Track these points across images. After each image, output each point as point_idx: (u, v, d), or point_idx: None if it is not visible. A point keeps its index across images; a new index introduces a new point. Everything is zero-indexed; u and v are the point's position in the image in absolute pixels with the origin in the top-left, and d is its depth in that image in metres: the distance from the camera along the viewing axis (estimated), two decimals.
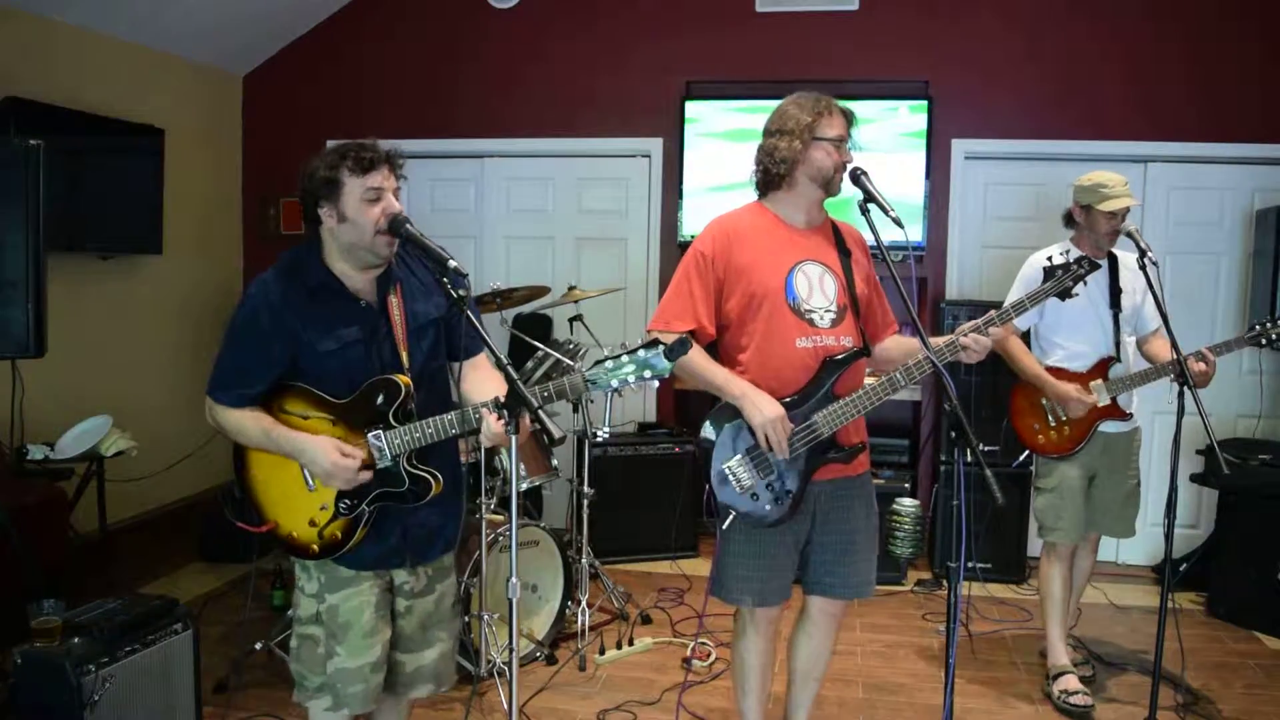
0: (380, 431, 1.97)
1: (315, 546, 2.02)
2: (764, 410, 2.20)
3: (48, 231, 2.87)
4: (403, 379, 1.97)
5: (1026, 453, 3.31)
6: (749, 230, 2.34)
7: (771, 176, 2.33)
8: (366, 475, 1.96)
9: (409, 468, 2.00)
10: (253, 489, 2.07)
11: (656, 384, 1.82)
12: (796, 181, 2.32)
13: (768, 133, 2.34)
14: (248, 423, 1.99)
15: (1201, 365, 2.83)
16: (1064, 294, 2.42)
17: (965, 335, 2.20)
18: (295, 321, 1.95)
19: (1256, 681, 3.40)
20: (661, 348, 1.77)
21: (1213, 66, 4.53)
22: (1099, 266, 2.57)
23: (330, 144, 2.00)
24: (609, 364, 1.80)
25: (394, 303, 2.02)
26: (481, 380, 2.08)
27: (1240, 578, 3.95)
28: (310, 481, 2.01)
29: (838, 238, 2.41)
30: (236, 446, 2.07)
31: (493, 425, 1.87)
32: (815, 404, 2.26)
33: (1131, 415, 3.16)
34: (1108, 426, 3.15)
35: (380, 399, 1.97)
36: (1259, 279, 4.40)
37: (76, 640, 2.39)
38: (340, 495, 1.99)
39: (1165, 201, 4.68)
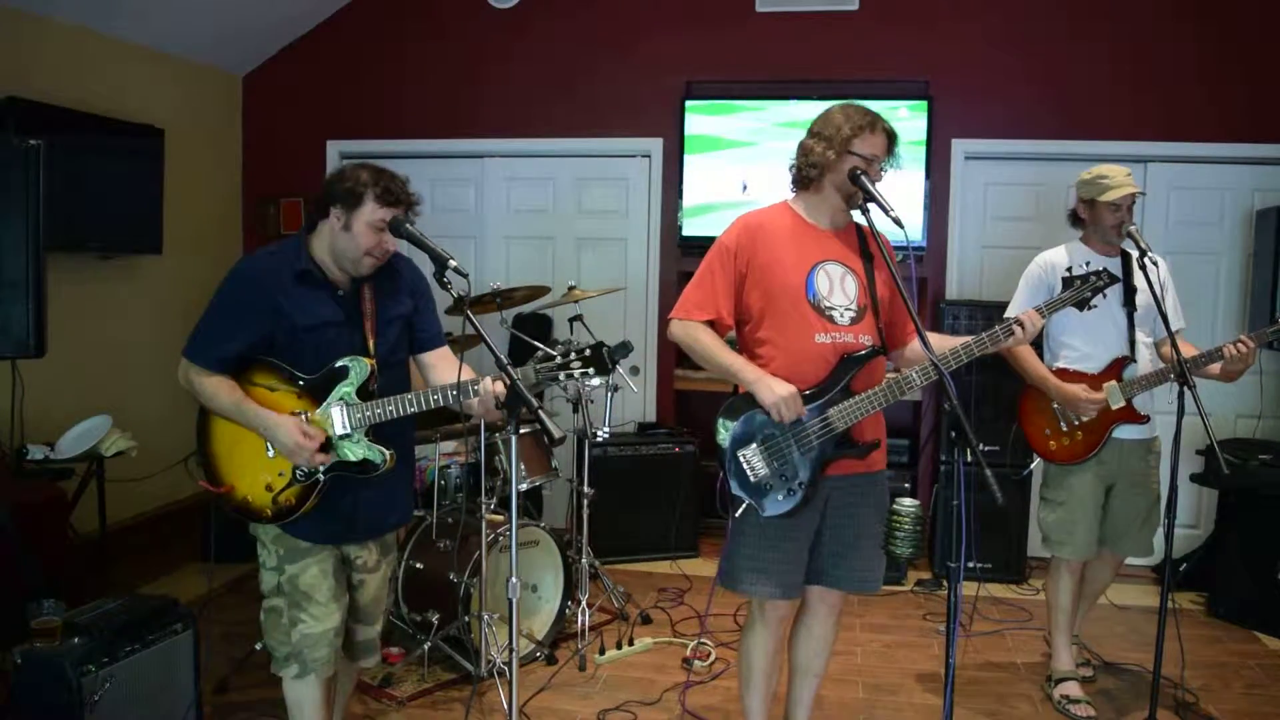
0: (344, 405, 2.15)
1: (269, 510, 2.18)
2: (776, 389, 2.24)
3: (48, 231, 2.86)
4: (368, 360, 2.16)
5: (1036, 461, 3.14)
6: (774, 228, 2.38)
7: (802, 176, 2.38)
8: (324, 457, 2.13)
9: (367, 443, 2.17)
10: (214, 452, 2.24)
11: (597, 381, 2.11)
12: (823, 186, 2.36)
13: (810, 132, 2.38)
14: (222, 391, 2.14)
15: (1241, 348, 2.79)
16: (1082, 304, 2.50)
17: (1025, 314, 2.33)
18: (280, 298, 2.12)
19: (1256, 681, 3.40)
20: (605, 349, 1.98)
21: (1212, 66, 4.53)
22: (1118, 280, 2.58)
23: (362, 163, 2.18)
24: (558, 359, 2.01)
25: (366, 296, 2.23)
26: (450, 367, 2.24)
27: (1240, 578, 3.95)
28: (271, 449, 2.17)
29: (862, 242, 2.44)
30: (201, 411, 2.23)
31: (490, 386, 2.06)
32: (831, 398, 2.29)
33: (1148, 419, 3.02)
34: (1124, 432, 3.00)
35: (347, 376, 2.14)
36: (1259, 279, 4.40)
37: (76, 640, 2.40)
38: None
39: (1165, 201, 4.67)
